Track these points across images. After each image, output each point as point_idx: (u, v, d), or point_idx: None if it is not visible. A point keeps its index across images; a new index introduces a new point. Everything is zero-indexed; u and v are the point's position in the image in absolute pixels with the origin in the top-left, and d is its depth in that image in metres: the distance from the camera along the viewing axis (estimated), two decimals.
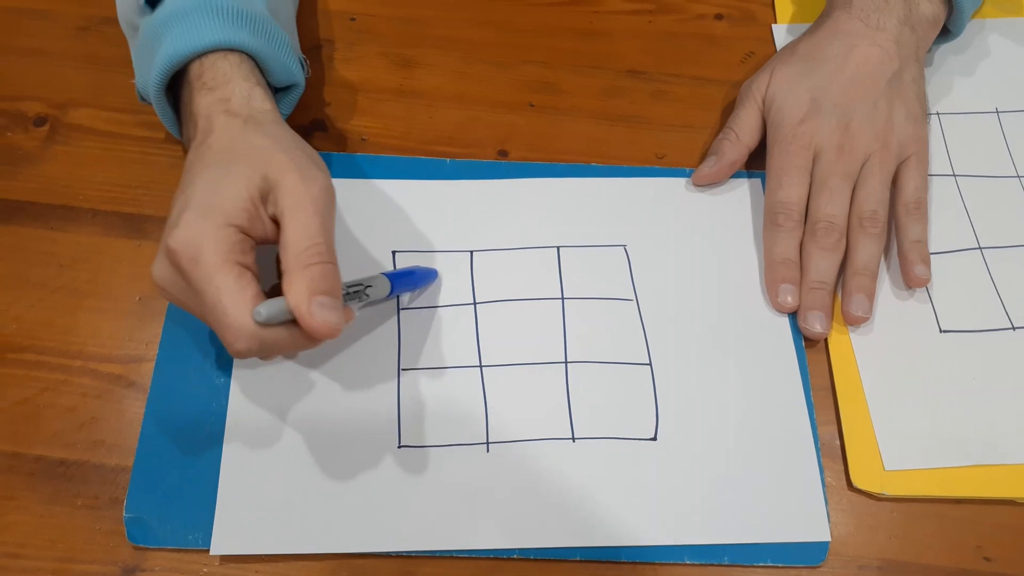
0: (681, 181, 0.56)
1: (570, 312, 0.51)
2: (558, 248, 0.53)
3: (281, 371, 0.48)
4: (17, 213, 0.53)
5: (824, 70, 0.54)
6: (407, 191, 0.54)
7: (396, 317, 0.50)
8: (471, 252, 0.52)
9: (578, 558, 0.44)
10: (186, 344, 0.49)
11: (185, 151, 0.48)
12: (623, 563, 0.44)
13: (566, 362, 0.49)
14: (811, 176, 0.52)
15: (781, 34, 0.62)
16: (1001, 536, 0.46)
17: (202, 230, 0.39)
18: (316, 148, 0.55)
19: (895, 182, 0.53)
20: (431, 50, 0.61)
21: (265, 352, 0.40)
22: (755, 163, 0.56)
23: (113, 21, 0.60)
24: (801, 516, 0.45)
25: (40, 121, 0.56)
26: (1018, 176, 0.56)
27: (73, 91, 0.57)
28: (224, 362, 0.48)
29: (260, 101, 0.46)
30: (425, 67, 0.60)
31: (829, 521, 0.45)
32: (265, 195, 0.41)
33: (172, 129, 0.50)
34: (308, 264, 0.39)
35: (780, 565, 0.45)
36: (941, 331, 0.51)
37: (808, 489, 0.46)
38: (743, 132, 0.55)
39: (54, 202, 0.53)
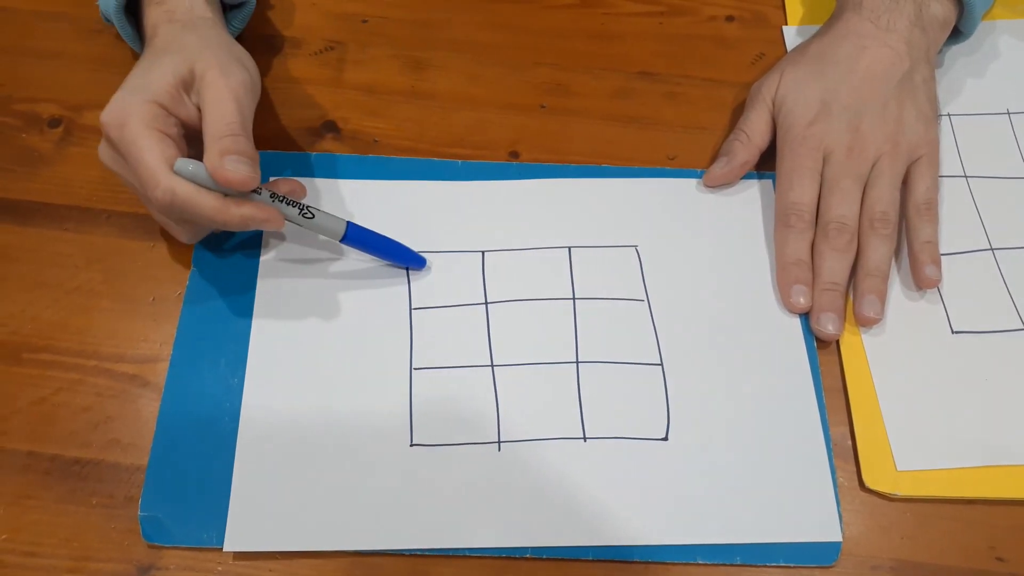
0: (692, 182, 0.56)
1: (581, 312, 0.51)
2: (569, 248, 0.53)
3: (294, 370, 0.48)
4: (32, 214, 0.53)
5: (834, 71, 0.54)
6: (419, 192, 0.54)
7: (408, 316, 0.50)
8: (483, 252, 0.52)
9: (590, 557, 0.44)
10: (200, 344, 0.49)
11: None
12: (635, 562, 0.44)
13: (577, 362, 0.49)
14: (821, 177, 0.53)
15: (791, 35, 0.62)
16: (1014, 536, 0.46)
17: (128, 104, 0.45)
18: (327, 150, 0.56)
19: (906, 183, 0.53)
20: (443, 52, 0.61)
21: (180, 209, 0.44)
22: (766, 164, 0.56)
23: None
24: (813, 516, 0.45)
25: (55, 123, 0.56)
26: None
27: (87, 93, 0.58)
28: (238, 361, 0.48)
29: (201, 10, 0.51)
30: (437, 69, 0.60)
31: (841, 521, 0.45)
32: (189, 84, 0.47)
33: (135, 45, 0.55)
34: (223, 136, 0.45)
35: (792, 565, 0.45)
36: (953, 332, 0.51)
37: (820, 489, 0.46)
38: (753, 133, 0.55)
39: (69, 203, 0.54)
